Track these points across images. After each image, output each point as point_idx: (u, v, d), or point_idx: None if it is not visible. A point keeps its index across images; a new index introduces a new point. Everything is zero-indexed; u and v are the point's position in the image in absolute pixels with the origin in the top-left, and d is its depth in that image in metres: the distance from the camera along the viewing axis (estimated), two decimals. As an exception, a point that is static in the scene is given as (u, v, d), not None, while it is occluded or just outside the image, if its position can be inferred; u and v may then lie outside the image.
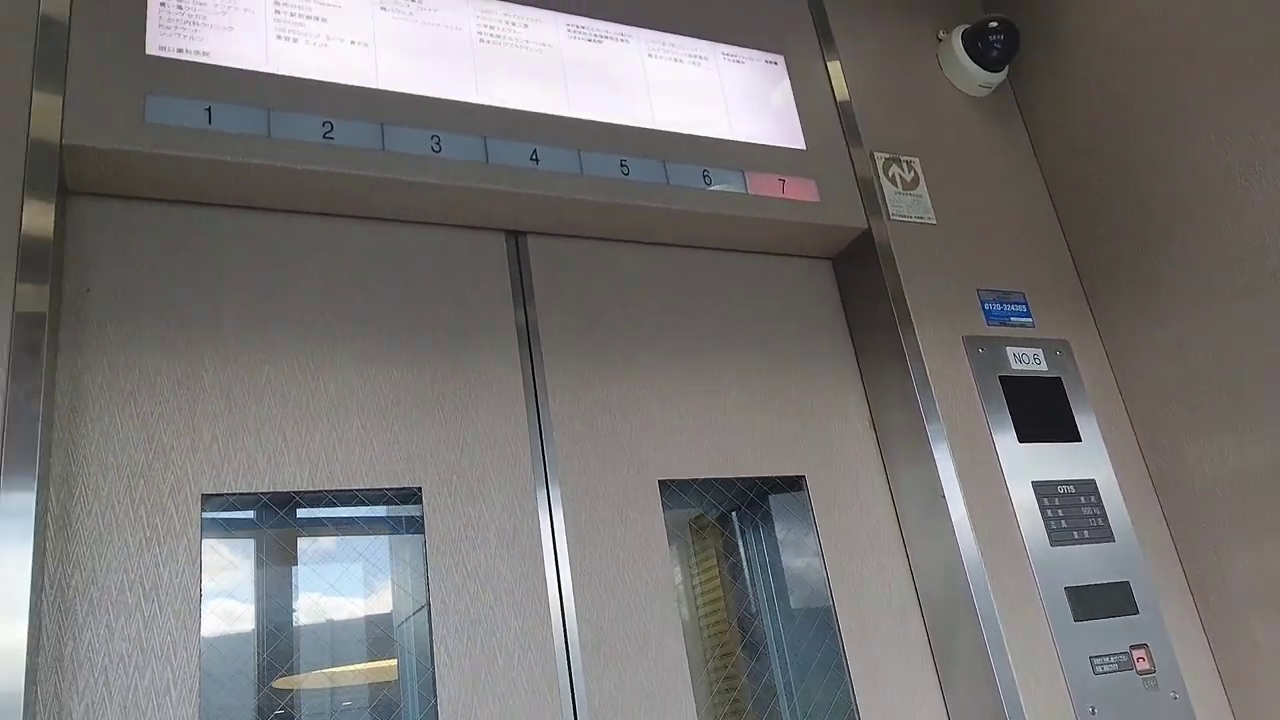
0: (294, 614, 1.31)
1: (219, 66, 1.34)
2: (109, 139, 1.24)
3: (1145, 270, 1.81)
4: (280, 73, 1.38)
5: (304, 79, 1.39)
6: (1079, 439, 1.74)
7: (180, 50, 1.33)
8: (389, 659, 1.35)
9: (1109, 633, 1.58)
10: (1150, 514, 1.76)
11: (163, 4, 1.34)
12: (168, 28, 1.33)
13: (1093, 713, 1.51)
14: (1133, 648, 1.59)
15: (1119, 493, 1.73)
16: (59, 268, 1.23)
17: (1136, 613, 1.62)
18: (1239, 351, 1.64)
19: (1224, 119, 1.67)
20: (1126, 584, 1.64)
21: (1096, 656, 1.55)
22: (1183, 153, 1.74)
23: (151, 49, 1.31)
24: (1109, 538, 1.67)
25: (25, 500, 1.06)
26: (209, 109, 1.30)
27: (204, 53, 1.34)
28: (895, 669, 1.56)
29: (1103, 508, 1.69)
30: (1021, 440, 1.68)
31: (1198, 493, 1.71)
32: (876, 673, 1.55)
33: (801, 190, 1.72)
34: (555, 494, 1.44)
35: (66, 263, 1.26)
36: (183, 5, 1.36)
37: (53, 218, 1.18)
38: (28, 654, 1.02)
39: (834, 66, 1.90)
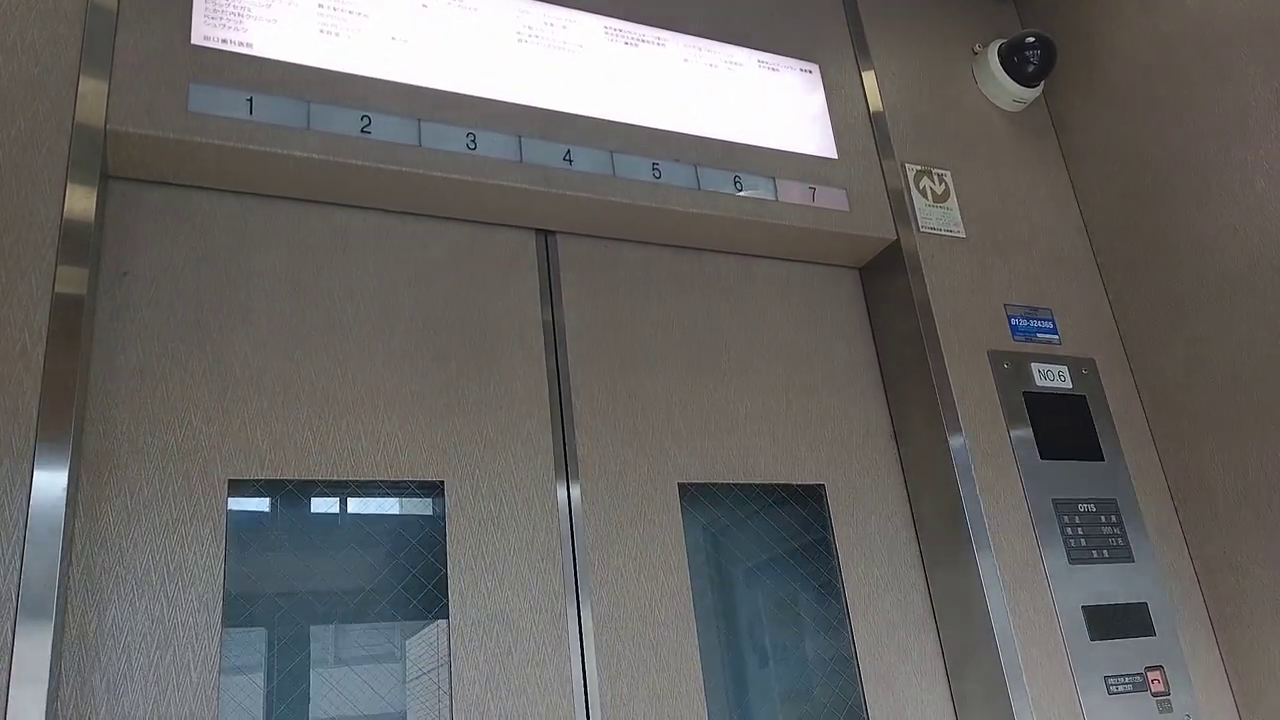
0: (309, 601, 1.32)
1: (261, 58, 1.36)
2: (152, 126, 1.26)
3: (1174, 291, 1.80)
4: (321, 66, 1.40)
5: (344, 73, 1.41)
6: (1102, 458, 1.73)
7: (224, 41, 1.35)
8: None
9: (1125, 653, 1.58)
10: (1171, 536, 1.75)
11: (208, -6, 1.36)
12: (213, 18, 1.35)
13: (1106, 733, 1.51)
14: (1148, 669, 1.58)
15: (1140, 513, 1.72)
16: (98, 251, 1.25)
17: (1153, 634, 1.61)
18: (1267, 377, 1.63)
19: (1261, 141, 1.66)
20: (1144, 605, 1.63)
21: (1111, 677, 1.55)
22: (1217, 175, 1.73)
23: (196, 39, 1.33)
24: (1128, 558, 1.66)
25: (58, 479, 1.07)
26: (250, 99, 1.32)
27: (247, 44, 1.36)
28: (908, 681, 1.56)
29: (1123, 528, 1.68)
30: (1043, 457, 1.68)
31: (1219, 516, 1.70)
32: (890, 684, 1.55)
33: (832, 199, 1.72)
34: (575, 492, 1.45)
35: (105, 246, 1.28)
36: (228, -4, 1.38)
37: (94, 202, 1.20)
38: (54, 629, 1.03)
39: (868, 77, 1.90)
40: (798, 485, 1.63)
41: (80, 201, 1.19)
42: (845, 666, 1.56)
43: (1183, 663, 1.62)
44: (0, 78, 1.20)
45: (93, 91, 1.24)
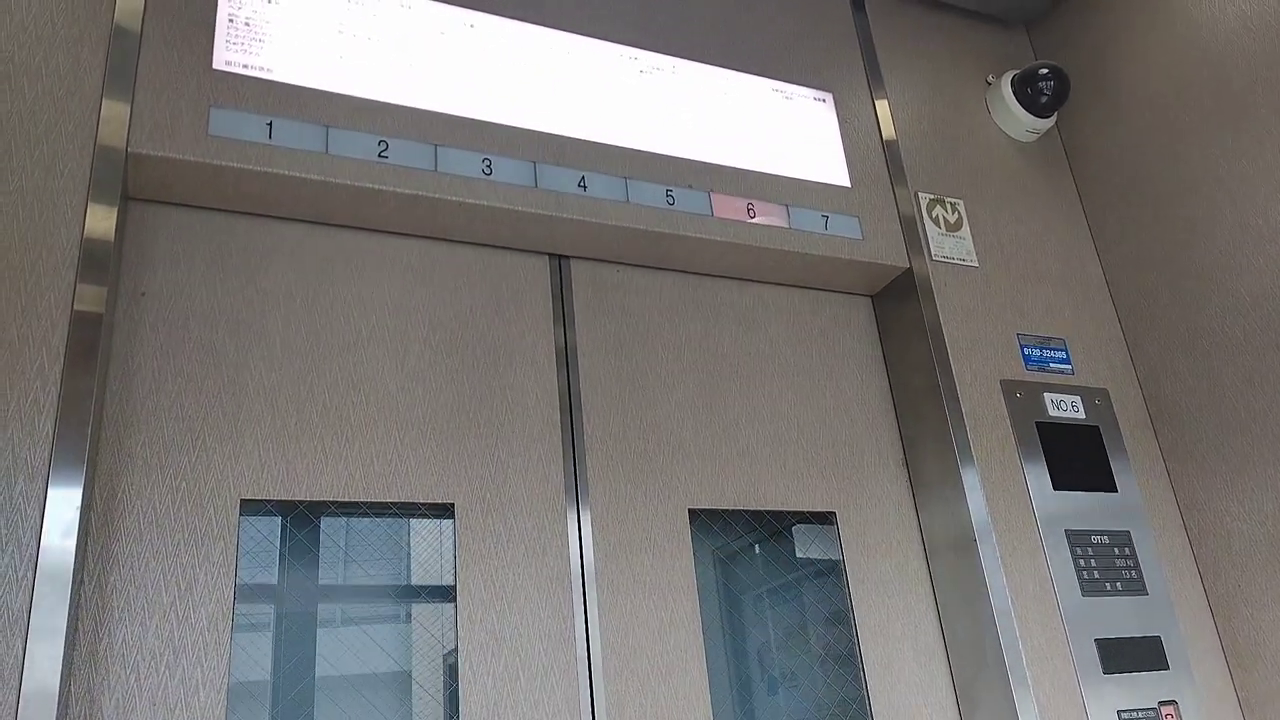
0: (318, 622, 1.33)
1: (281, 83, 1.38)
2: (173, 148, 1.27)
3: (1188, 321, 1.80)
4: (340, 91, 1.41)
5: (363, 98, 1.43)
6: (1115, 489, 1.72)
7: (245, 66, 1.37)
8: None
9: (1138, 687, 1.56)
10: (1185, 569, 1.73)
11: (230, 20, 1.38)
12: (234, 43, 1.37)
13: (1118, 768, 1.50)
14: (1161, 704, 1.56)
15: (1154, 546, 1.71)
16: (117, 271, 1.26)
17: (1167, 668, 1.60)
18: (1279, 406, 1.62)
19: (1275, 171, 1.66)
20: (1158, 638, 1.62)
21: (1124, 711, 1.53)
22: (1231, 206, 1.73)
23: (218, 63, 1.35)
24: (1142, 591, 1.65)
25: (72, 496, 1.08)
26: (270, 124, 1.34)
27: (267, 69, 1.38)
28: (919, 712, 1.55)
29: (1137, 560, 1.67)
30: (1056, 488, 1.67)
31: (1234, 550, 1.68)
32: (899, 713, 1.53)
33: (845, 227, 1.73)
34: (585, 517, 1.45)
35: (124, 266, 1.30)
36: (250, 22, 1.40)
37: (114, 222, 1.21)
38: (64, 648, 1.03)
39: (882, 106, 1.91)
40: (809, 512, 1.63)
41: (100, 222, 1.20)
42: (854, 695, 1.55)
43: (1197, 697, 1.60)
44: (25, 100, 1.22)
45: (115, 115, 1.26)
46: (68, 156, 1.22)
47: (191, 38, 1.35)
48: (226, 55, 1.36)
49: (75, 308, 1.15)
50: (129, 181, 1.30)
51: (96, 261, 1.18)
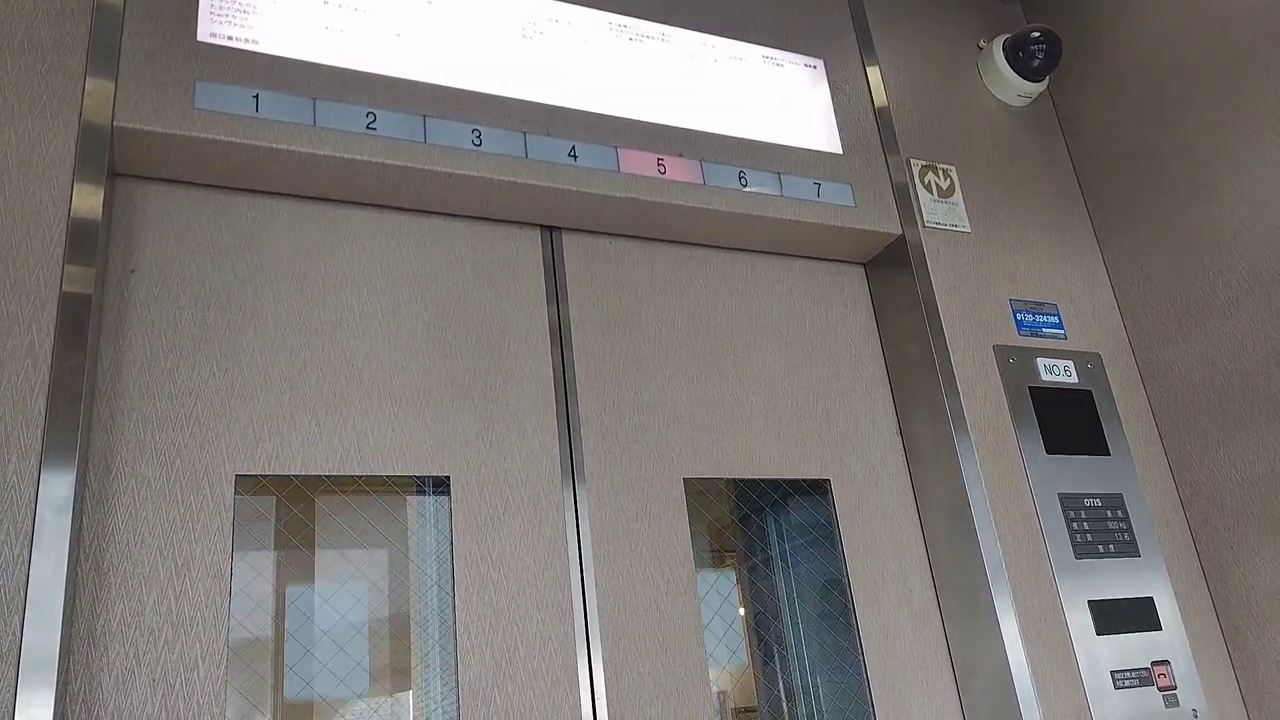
0: (316, 599, 1.33)
1: (267, 55, 1.37)
2: (158, 123, 1.26)
3: (1181, 285, 1.80)
4: (327, 63, 1.40)
5: (350, 69, 1.41)
6: (1108, 453, 1.73)
7: (230, 38, 1.35)
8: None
9: (1131, 648, 1.58)
10: (1177, 530, 1.75)
11: (214, -8, 1.37)
12: (218, 15, 1.36)
13: (1112, 728, 1.51)
14: (1154, 664, 1.58)
15: (1146, 508, 1.72)
16: (105, 249, 1.25)
17: (1160, 629, 1.61)
18: (1273, 371, 1.63)
19: (1270, 135, 1.66)
20: (1150, 600, 1.63)
21: (1117, 671, 1.55)
22: (1225, 169, 1.73)
23: (202, 36, 1.33)
24: (1134, 553, 1.66)
25: (65, 476, 1.08)
26: (256, 96, 1.33)
27: (253, 40, 1.36)
28: (914, 676, 1.56)
29: (1129, 522, 1.68)
30: (1049, 452, 1.68)
31: (1225, 510, 1.70)
32: (895, 678, 1.55)
33: (836, 194, 1.72)
34: (581, 487, 1.45)
35: (112, 244, 1.29)
36: (233, -6, 1.38)
37: (101, 199, 1.20)
38: (62, 625, 1.04)
39: (873, 72, 1.90)
40: (803, 480, 1.63)
41: (87, 199, 1.19)
42: (851, 661, 1.56)
43: (1189, 658, 1.62)
44: (8, 76, 1.21)
45: (99, 89, 1.24)
46: (52, 133, 1.21)
47: (175, 10, 1.33)
48: (211, 27, 1.34)
49: (64, 288, 1.14)
50: (115, 157, 1.29)
51: (84, 239, 1.17)
